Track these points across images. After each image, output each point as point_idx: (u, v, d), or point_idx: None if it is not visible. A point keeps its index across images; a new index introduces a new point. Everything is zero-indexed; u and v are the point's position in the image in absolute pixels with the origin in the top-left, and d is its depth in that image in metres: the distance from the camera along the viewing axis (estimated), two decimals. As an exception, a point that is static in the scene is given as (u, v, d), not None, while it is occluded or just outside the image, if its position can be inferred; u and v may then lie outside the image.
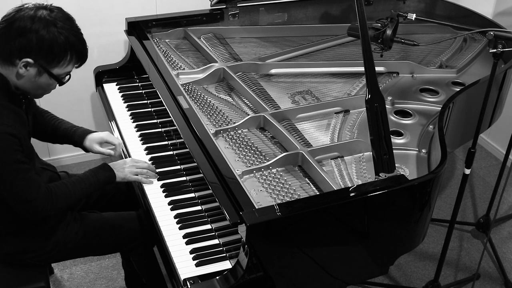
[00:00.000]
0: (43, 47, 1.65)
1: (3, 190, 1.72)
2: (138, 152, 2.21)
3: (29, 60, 1.66)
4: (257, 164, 1.90)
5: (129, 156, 2.19)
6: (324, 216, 1.65)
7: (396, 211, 1.79)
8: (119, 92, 2.61)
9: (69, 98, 3.14)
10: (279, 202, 1.75)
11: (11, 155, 1.67)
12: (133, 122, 2.39)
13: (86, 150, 2.14)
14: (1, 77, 1.70)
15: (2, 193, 1.74)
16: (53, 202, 1.79)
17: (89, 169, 1.98)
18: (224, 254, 1.76)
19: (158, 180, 2.06)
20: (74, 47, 1.71)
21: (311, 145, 2.01)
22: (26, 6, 1.69)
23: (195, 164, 1.86)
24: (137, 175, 2.01)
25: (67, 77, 1.77)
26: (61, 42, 1.67)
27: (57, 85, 1.78)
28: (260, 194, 1.79)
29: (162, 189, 2.02)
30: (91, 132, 2.14)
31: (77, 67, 1.78)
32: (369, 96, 1.72)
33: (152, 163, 2.14)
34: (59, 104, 3.13)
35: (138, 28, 2.66)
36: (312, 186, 1.84)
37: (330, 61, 2.62)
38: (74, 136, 2.11)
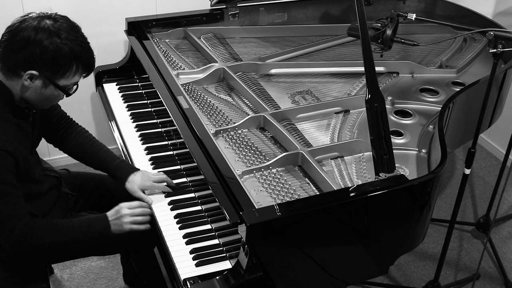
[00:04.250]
0: (47, 59, 1.61)
1: None
2: (138, 152, 2.21)
3: (34, 72, 1.62)
4: (257, 164, 1.90)
5: (129, 156, 2.19)
6: (324, 216, 1.65)
7: (396, 211, 1.79)
8: (119, 92, 2.61)
9: (69, 98, 3.13)
10: (279, 202, 1.75)
11: (1, 172, 1.63)
12: (133, 122, 2.39)
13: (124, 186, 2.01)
14: (4, 89, 1.68)
15: None
16: (32, 238, 1.72)
17: (87, 216, 1.93)
18: (224, 254, 1.75)
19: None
20: (79, 58, 1.67)
21: (311, 145, 2.01)
22: (30, 16, 1.65)
23: (195, 164, 1.86)
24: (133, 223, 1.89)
25: (75, 87, 1.75)
26: (65, 53, 1.62)
27: (64, 96, 1.75)
28: (260, 194, 1.79)
29: (162, 189, 2.02)
30: (134, 171, 2.00)
31: (84, 77, 1.75)
32: (369, 96, 1.72)
33: (152, 163, 2.14)
34: (59, 104, 3.13)
35: (138, 28, 2.66)
36: (312, 186, 1.84)
37: (330, 61, 2.62)
38: (114, 173, 2.01)
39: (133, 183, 1.97)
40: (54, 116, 2.05)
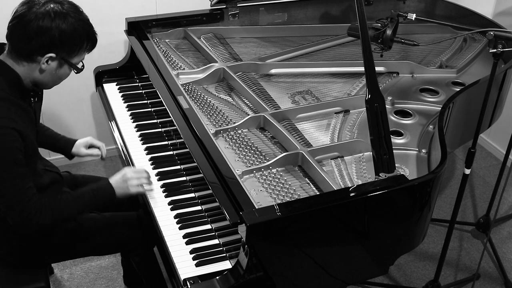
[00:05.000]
0: (65, 41, 1.68)
1: None
2: (138, 152, 2.21)
3: (52, 55, 1.69)
4: (257, 164, 1.90)
5: (129, 156, 2.19)
6: (324, 216, 1.65)
7: (396, 211, 1.79)
8: (119, 92, 2.61)
9: (69, 98, 3.14)
10: (279, 202, 1.75)
11: (11, 152, 1.64)
12: (133, 122, 2.39)
13: (71, 156, 2.21)
14: (13, 74, 1.71)
15: None
16: (39, 217, 1.73)
17: (90, 185, 1.95)
18: (224, 254, 1.76)
19: (158, 180, 2.06)
20: (89, 35, 1.75)
21: (311, 145, 2.01)
22: (34, 1, 1.68)
23: (195, 164, 1.86)
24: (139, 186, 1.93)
25: (81, 63, 1.81)
26: (80, 33, 1.71)
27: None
28: (260, 194, 1.79)
29: (162, 189, 2.02)
30: (75, 140, 2.21)
31: (88, 52, 1.81)
32: (369, 96, 1.72)
33: (152, 163, 2.14)
34: (59, 104, 3.13)
35: (138, 28, 2.66)
36: (312, 186, 1.84)
37: (330, 61, 2.62)
38: (60, 142, 2.18)
39: (76, 146, 2.18)
40: None
